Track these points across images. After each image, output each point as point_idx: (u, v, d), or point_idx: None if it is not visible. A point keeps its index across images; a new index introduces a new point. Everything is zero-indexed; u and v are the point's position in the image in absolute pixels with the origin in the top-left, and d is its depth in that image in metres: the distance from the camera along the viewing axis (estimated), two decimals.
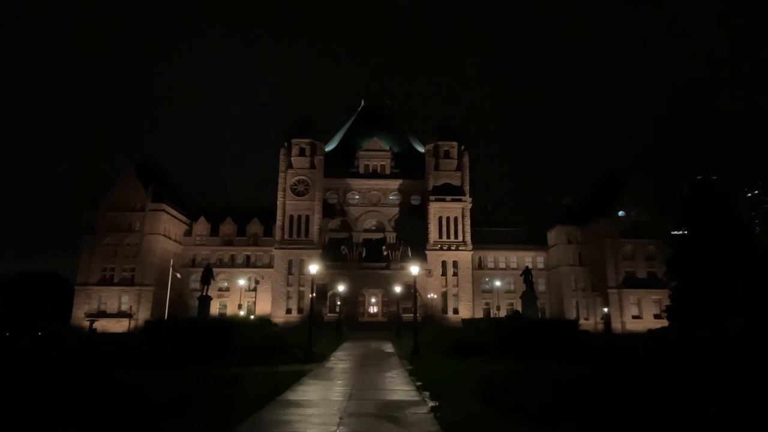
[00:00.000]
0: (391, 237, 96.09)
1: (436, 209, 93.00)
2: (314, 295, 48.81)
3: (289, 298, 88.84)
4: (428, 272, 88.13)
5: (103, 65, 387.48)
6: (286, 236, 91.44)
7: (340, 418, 13.28)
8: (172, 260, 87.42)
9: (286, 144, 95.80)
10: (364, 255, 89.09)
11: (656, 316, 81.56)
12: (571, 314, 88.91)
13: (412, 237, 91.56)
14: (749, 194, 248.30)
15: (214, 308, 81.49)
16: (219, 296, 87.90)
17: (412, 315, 58.54)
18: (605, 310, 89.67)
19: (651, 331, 50.68)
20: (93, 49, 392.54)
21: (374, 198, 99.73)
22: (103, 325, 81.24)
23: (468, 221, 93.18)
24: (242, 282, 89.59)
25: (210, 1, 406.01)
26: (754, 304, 50.36)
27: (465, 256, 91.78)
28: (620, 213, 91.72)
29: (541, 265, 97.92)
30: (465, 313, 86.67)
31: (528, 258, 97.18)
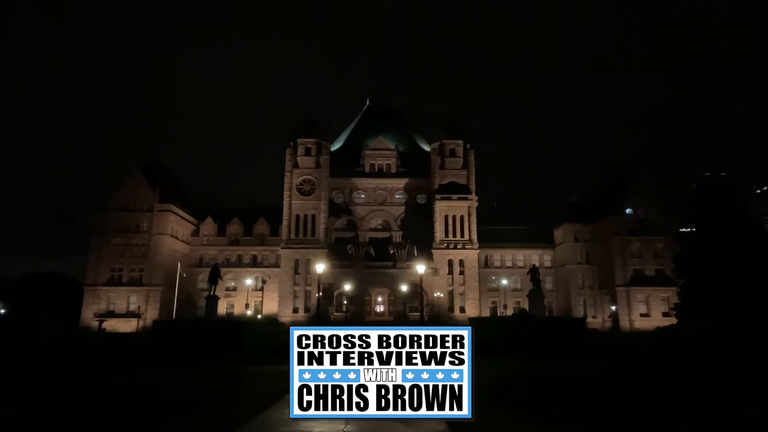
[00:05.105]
0: (397, 236, 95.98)
1: (442, 208, 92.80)
2: (321, 294, 48.92)
3: (295, 297, 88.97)
4: (434, 271, 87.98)
5: (103, 66, 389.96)
6: (293, 236, 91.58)
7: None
8: (179, 260, 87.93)
9: (291, 144, 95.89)
10: (370, 254, 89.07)
11: (665, 314, 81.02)
12: (579, 312, 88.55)
13: (418, 236, 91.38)
14: (758, 191, 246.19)
15: (222, 308, 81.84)
16: (226, 296, 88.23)
17: (418, 314, 58.57)
18: (613, 308, 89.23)
19: (659, 329, 50.44)
20: (95, 49, 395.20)
21: (380, 197, 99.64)
22: (111, 325, 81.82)
23: (474, 220, 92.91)
24: (249, 281, 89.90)
25: (213, 3, 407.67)
26: (764, 301, 49.92)
27: (471, 255, 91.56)
28: (627, 210, 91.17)
29: (548, 264, 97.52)
30: (472, 311, 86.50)
31: (535, 256, 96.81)
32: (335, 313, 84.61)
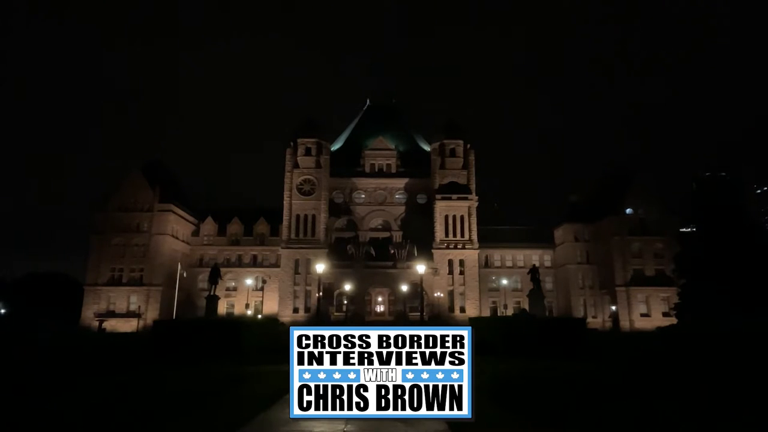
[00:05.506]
0: (397, 236, 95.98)
1: (442, 208, 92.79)
2: (321, 294, 48.88)
3: (296, 297, 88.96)
4: (435, 271, 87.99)
5: (103, 67, 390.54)
6: (293, 236, 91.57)
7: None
8: (179, 260, 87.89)
9: (292, 144, 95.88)
10: (370, 254, 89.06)
11: (665, 314, 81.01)
12: (579, 312, 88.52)
13: (419, 236, 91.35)
14: (758, 191, 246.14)
15: (222, 308, 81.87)
16: (226, 296, 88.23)
17: (418, 314, 58.53)
18: (613, 308, 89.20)
19: (660, 329, 50.45)
20: (96, 50, 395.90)
21: (380, 197, 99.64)
22: (112, 325, 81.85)
23: (474, 219, 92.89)
24: (249, 281, 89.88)
25: (213, 4, 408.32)
26: (764, 301, 49.93)
27: (471, 255, 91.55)
28: (627, 210, 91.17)
29: (548, 264, 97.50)
30: (472, 311, 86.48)
31: (535, 256, 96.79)
32: (335, 313, 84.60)
